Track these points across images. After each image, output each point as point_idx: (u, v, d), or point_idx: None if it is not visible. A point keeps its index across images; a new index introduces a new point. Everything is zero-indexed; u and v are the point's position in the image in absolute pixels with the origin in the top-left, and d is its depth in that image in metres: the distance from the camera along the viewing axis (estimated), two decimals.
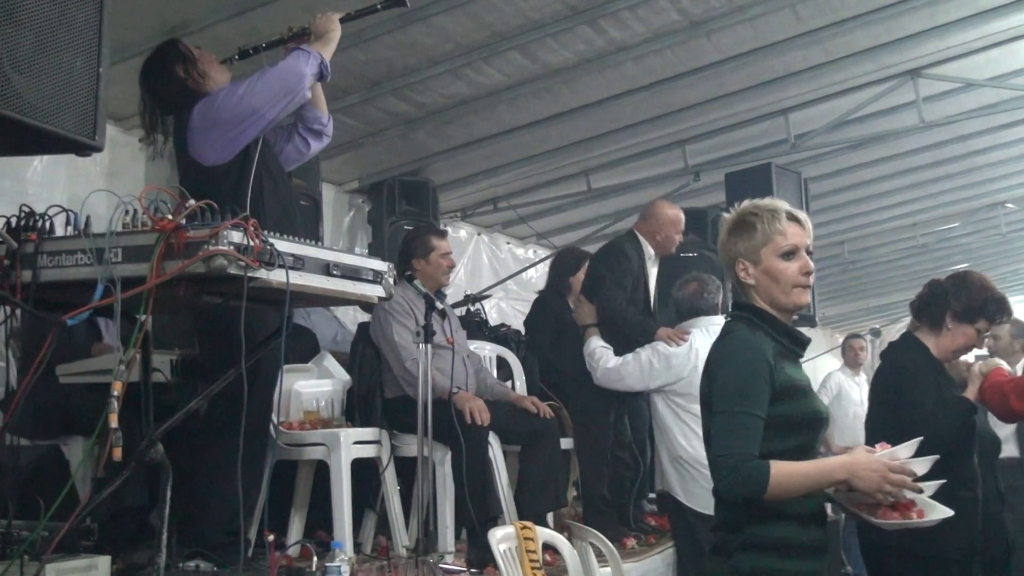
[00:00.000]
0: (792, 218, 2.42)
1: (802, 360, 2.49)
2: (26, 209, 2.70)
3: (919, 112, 6.60)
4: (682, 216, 5.26)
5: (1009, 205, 9.99)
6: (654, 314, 5.28)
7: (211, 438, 3.31)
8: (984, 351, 5.54)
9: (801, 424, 2.31)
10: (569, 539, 3.94)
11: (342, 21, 3.61)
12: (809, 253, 2.43)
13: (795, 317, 2.52)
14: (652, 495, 5.52)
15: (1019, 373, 5.29)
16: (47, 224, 2.67)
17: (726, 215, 2.51)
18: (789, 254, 2.39)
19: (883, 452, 2.30)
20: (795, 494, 2.23)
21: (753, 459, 2.20)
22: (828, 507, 2.44)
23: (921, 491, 2.28)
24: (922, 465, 2.32)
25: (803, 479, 2.23)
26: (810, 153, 7.26)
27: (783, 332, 2.39)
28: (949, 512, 2.34)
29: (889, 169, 8.27)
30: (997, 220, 10.22)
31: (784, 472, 2.19)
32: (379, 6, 3.64)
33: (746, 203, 2.47)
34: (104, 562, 2.70)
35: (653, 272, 5.26)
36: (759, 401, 2.25)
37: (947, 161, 8.30)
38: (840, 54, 5.90)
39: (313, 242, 2.91)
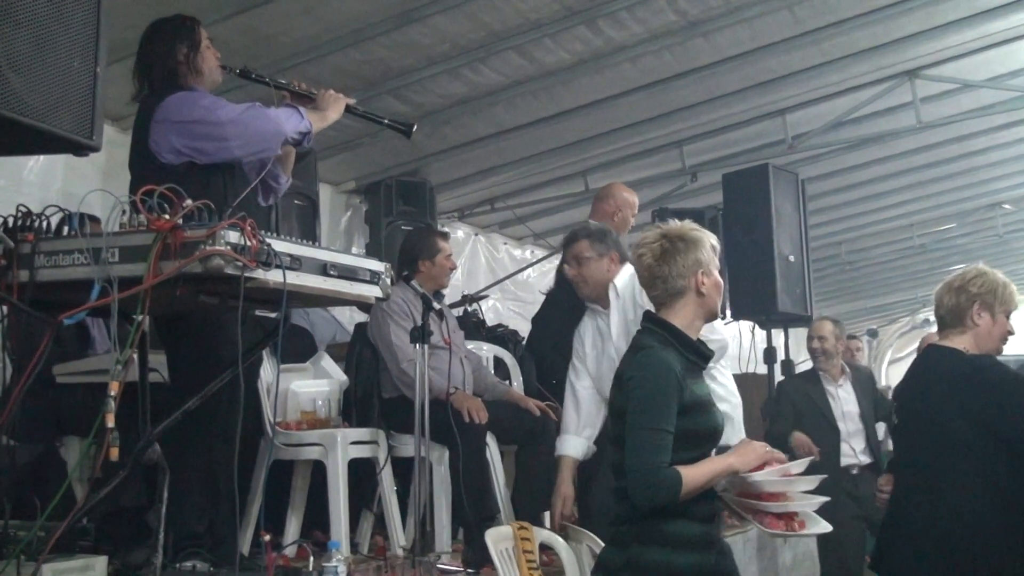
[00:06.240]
0: None
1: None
2: (23, 209, 2.69)
3: (916, 113, 6.60)
4: (627, 197, 5.32)
5: (1006, 206, 10.00)
6: None
7: (178, 436, 3.26)
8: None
9: (702, 438, 2.53)
10: (566, 540, 3.94)
11: (347, 111, 3.54)
12: None
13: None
14: None
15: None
16: (44, 224, 2.67)
17: (657, 229, 2.65)
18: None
19: (777, 468, 2.55)
20: (697, 492, 2.46)
21: (664, 469, 2.41)
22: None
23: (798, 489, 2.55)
24: (808, 482, 2.57)
25: (705, 477, 2.47)
26: (807, 154, 7.27)
27: (691, 348, 2.59)
28: (829, 527, 2.59)
29: (886, 170, 8.28)
30: (994, 221, 10.24)
31: (692, 476, 2.43)
32: (386, 121, 3.75)
33: (684, 222, 2.69)
34: (101, 562, 2.69)
35: None
36: (669, 417, 2.44)
37: (944, 162, 8.31)
38: (837, 55, 5.91)
39: (310, 242, 2.90)
